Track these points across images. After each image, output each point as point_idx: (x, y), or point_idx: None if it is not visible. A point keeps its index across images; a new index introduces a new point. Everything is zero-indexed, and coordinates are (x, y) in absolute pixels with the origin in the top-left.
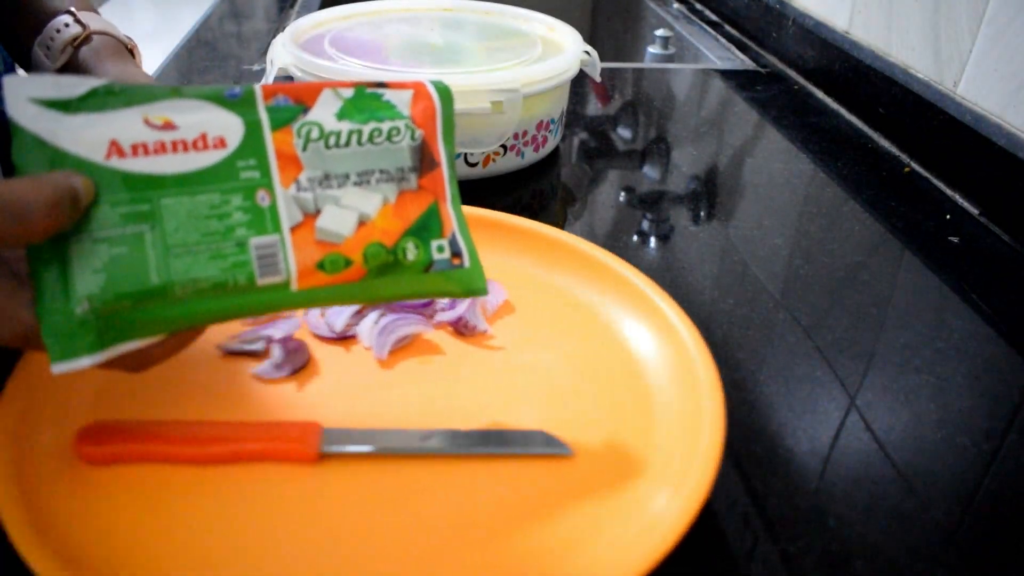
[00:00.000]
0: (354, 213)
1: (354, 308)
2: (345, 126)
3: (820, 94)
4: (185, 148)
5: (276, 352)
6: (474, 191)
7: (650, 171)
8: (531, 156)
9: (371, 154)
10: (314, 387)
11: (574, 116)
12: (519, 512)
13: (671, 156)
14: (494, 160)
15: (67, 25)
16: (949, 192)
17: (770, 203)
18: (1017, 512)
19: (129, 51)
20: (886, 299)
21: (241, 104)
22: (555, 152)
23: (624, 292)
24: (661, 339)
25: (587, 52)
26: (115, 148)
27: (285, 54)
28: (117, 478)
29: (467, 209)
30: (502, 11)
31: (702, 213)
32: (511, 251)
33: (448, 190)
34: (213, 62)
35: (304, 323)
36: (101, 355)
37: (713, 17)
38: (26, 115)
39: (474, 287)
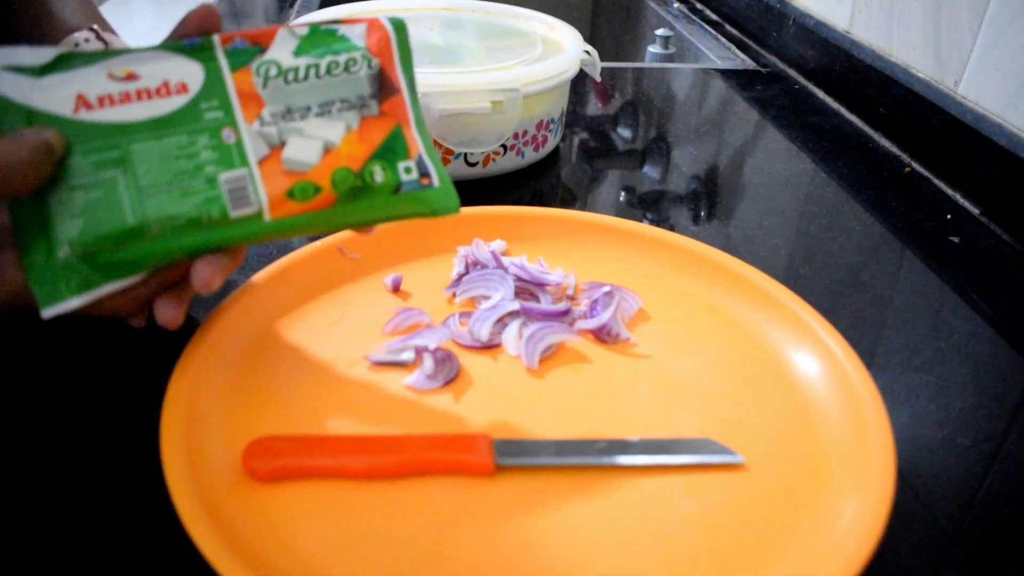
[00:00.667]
0: (319, 142)
1: (496, 317)
2: (303, 61)
3: (821, 94)
4: (149, 96)
5: (427, 362)
6: (474, 191)
7: (650, 171)
8: (531, 156)
9: (331, 85)
10: (469, 397)
11: (574, 116)
12: (703, 523)
13: (671, 156)
14: (494, 160)
15: (87, 40)
16: (950, 192)
17: (770, 203)
18: (1018, 512)
19: None
20: (886, 299)
21: (200, 51)
22: (555, 152)
23: (755, 296)
24: (801, 342)
25: (587, 52)
26: (82, 102)
27: None
28: (290, 492)
29: (590, 216)
30: (502, 11)
31: (702, 213)
32: (639, 258)
33: (411, 114)
34: None
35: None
36: (87, 295)
37: (713, 17)
38: None
39: (446, 205)
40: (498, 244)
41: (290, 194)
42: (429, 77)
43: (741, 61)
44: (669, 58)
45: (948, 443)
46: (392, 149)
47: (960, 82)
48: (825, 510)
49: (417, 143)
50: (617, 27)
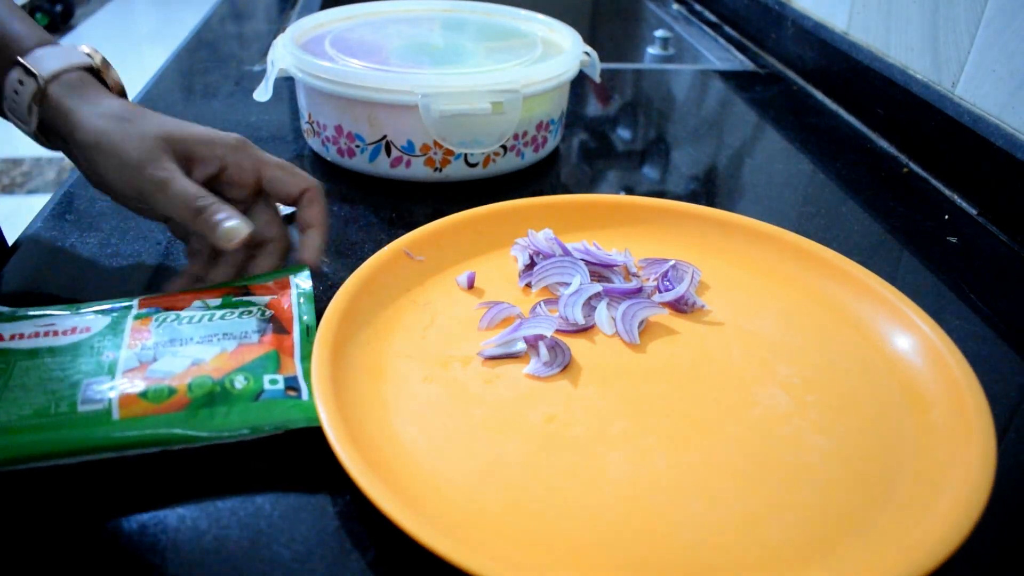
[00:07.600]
0: (188, 359)
1: (583, 299)
2: (199, 311)
3: (819, 95)
4: (55, 334)
5: (543, 351)
6: (474, 192)
7: (650, 171)
8: (531, 156)
9: (220, 324)
10: (588, 378)
11: (574, 117)
12: (788, 492)
13: (670, 157)
14: (494, 160)
15: (21, 83)
16: (947, 192)
17: (769, 203)
18: (1016, 512)
19: (97, 72)
20: None
21: (116, 312)
22: (555, 153)
23: (795, 253)
24: (860, 294)
25: (587, 53)
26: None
27: (286, 55)
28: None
29: (623, 198)
30: (502, 12)
31: None
32: (682, 232)
33: (297, 351)
34: (214, 63)
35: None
36: None
37: (712, 18)
38: None
39: (308, 415)
40: (546, 232)
41: (143, 395)
42: (429, 78)
43: (740, 62)
44: (668, 59)
45: None
46: (262, 365)
47: (958, 83)
48: (910, 494)
49: (295, 367)
50: (616, 28)
